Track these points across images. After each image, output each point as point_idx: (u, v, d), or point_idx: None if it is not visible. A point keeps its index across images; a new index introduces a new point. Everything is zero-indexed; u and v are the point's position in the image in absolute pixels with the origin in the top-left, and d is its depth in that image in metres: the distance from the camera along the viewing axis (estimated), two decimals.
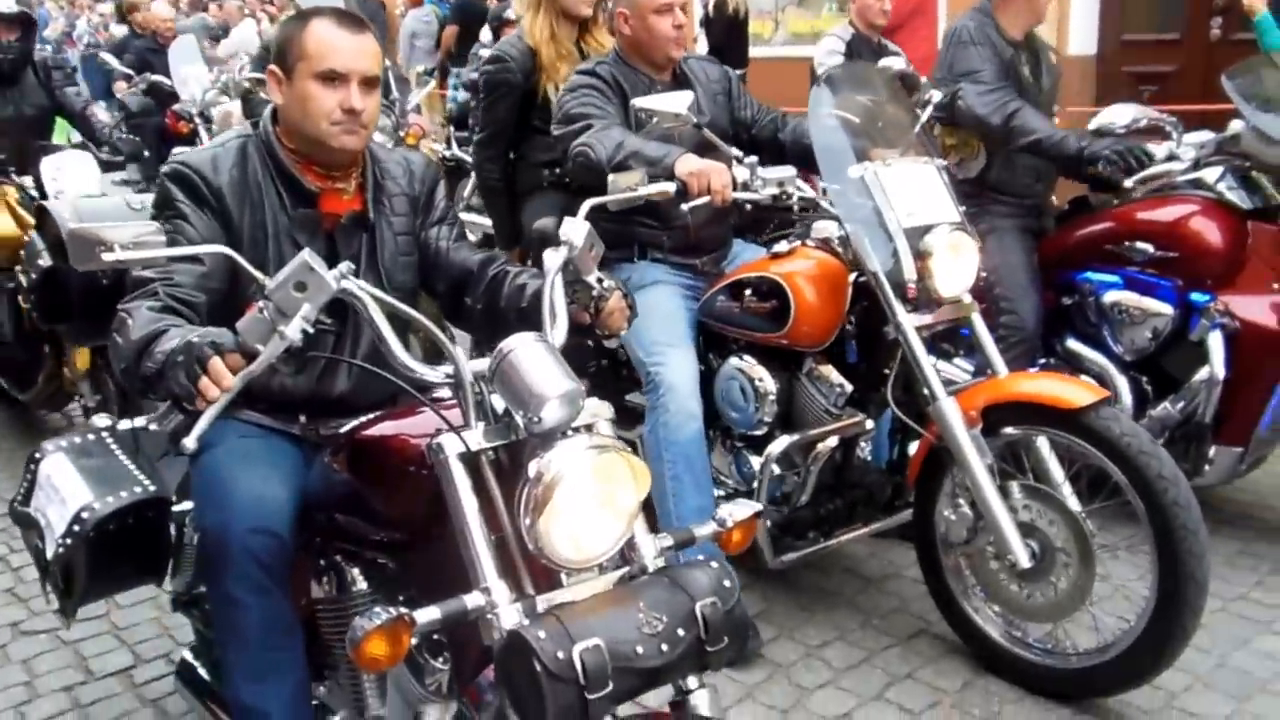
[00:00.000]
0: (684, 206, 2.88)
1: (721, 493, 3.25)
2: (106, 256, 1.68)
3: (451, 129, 6.92)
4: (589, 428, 1.75)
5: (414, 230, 2.36)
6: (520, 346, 1.67)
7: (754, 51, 8.69)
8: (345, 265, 1.73)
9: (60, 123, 5.27)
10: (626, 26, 3.32)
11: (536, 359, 1.66)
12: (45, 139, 5.00)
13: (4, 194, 4.34)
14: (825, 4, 10.07)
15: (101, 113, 5.26)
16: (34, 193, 4.26)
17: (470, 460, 1.68)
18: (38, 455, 2.48)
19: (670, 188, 2.82)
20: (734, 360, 3.21)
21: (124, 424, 2.59)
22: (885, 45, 5.31)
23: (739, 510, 1.81)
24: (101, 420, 2.68)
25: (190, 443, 1.67)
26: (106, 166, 4.60)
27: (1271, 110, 3.49)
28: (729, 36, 8.13)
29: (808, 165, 3.27)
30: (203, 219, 2.11)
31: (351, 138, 2.17)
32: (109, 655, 3.21)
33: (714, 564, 1.67)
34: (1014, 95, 3.74)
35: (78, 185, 4.10)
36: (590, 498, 1.59)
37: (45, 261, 3.49)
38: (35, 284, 3.52)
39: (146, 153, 4.93)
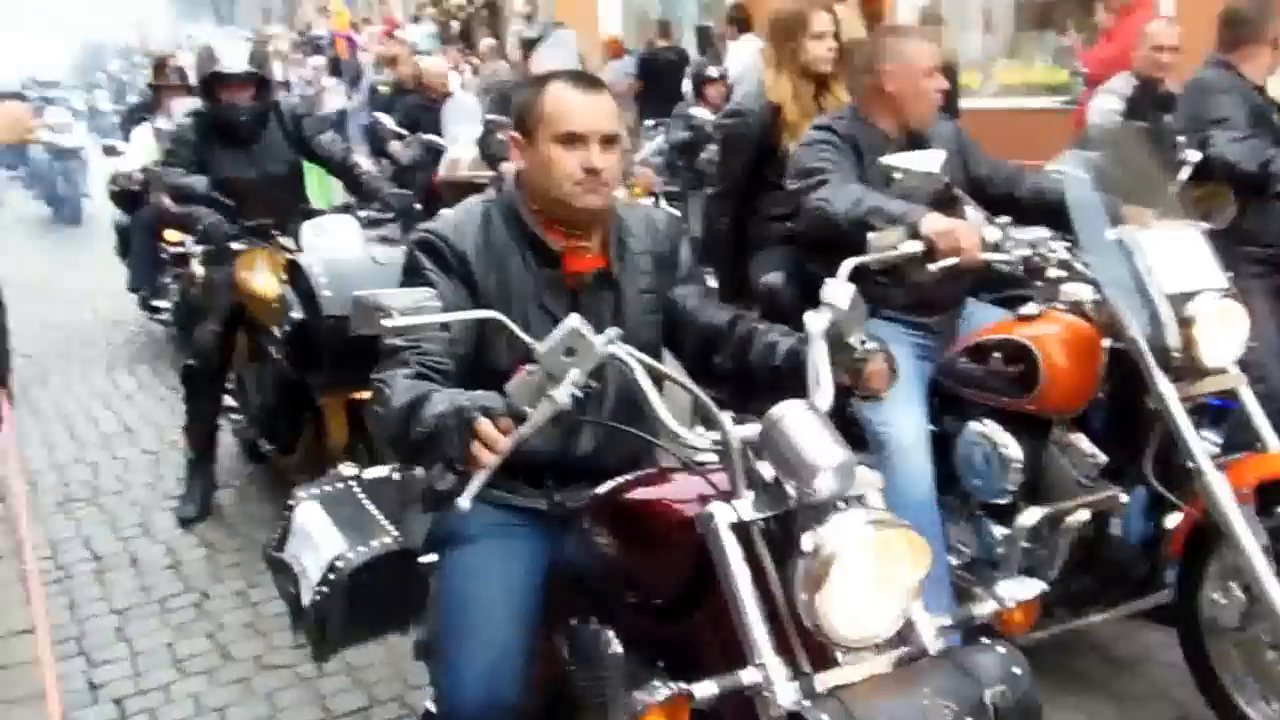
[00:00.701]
0: (930, 268, 2.78)
1: (956, 561, 3.12)
2: (386, 323, 1.72)
3: (653, 176, 7.03)
4: (860, 498, 1.69)
5: (659, 288, 2.35)
6: (791, 414, 1.64)
7: (963, 103, 8.51)
8: (614, 330, 1.74)
9: (315, 172, 5.03)
10: (892, 84, 3.23)
11: (808, 427, 1.62)
12: (298, 194, 4.83)
13: (270, 256, 4.36)
14: (1038, 55, 9.80)
15: (366, 162, 5.00)
16: (297, 256, 4.14)
17: (741, 530, 1.64)
18: (291, 502, 2.56)
19: (920, 247, 2.74)
20: (975, 425, 3.08)
21: (369, 473, 2.66)
22: (1170, 95, 4.95)
23: (1021, 589, 1.71)
24: (348, 469, 2.76)
25: (464, 502, 1.69)
26: (373, 222, 4.43)
27: None
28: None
29: (1048, 223, 3.14)
30: (450, 285, 2.14)
31: (594, 197, 2.18)
32: (345, 695, 3.30)
33: (1001, 648, 1.58)
34: (1268, 142, 3.56)
35: (340, 249, 4.02)
36: (868, 575, 1.54)
37: (297, 314, 3.64)
38: (288, 336, 3.70)
39: (418, 206, 4.67)
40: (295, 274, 3.73)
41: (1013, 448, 2.98)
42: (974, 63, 9.99)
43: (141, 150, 6.69)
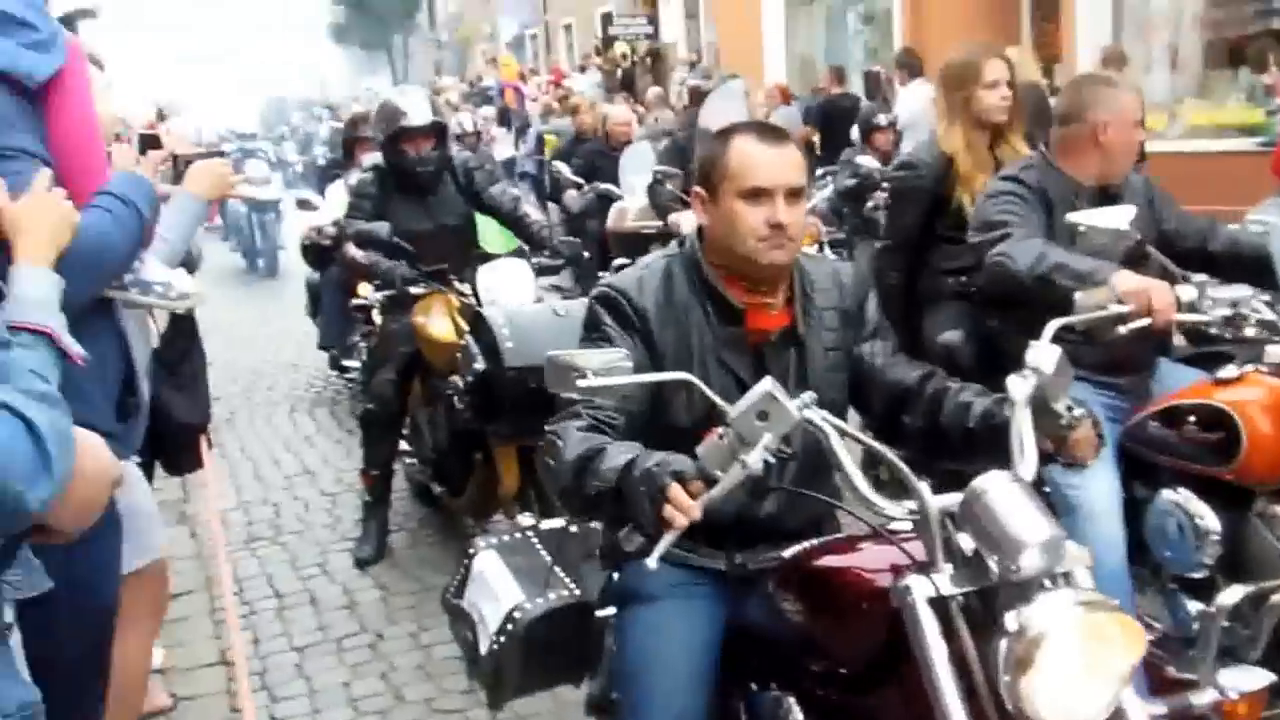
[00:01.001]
0: (1121, 330, 2.66)
1: (1149, 637, 2.95)
2: (580, 383, 1.73)
3: (822, 226, 6.95)
4: (1067, 576, 1.62)
5: (845, 345, 2.29)
6: (995, 486, 1.58)
7: (1149, 146, 8.21)
8: (808, 395, 1.71)
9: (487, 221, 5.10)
10: (1104, 134, 3.13)
11: (1013, 501, 1.57)
12: (472, 244, 4.90)
13: (446, 301, 4.42)
14: (1231, 94, 9.40)
15: (535, 211, 4.98)
16: (472, 300, 4.32)
17: (939, 604, 1.60)
18: (471, 550, 2.60)
19: (1121, 307, 2.62)
20: (1168, 493, 2.92)
21: (546, 524, 2.68)
22: None
23: (1247, 679, 1.62)
24: (526, 519, 2.79)
25: (652, 562, 1.68)
26: (543, 270, 4.51)
27: None
28: None
29: (1246, 279, 2.98)
30: (628, 341, 2.12)
31: (780, 252, 2.14)
32: None
33: None
34: None
35: (513, 294, 4.14)
36: (1077, 658, 1.47)
37: (480, 365, 3.67)
38: (471, 386, 3.74)
39: (587, 254, 4.71)
40: (478, 325, 3.79)
41: (1210, 519, 2.82)
42: (1160, 104, 9.66)
43: (336, 206, 6.79)
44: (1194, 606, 2.84)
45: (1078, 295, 2.52)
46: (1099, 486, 2.91)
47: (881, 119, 8.22)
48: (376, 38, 38.28)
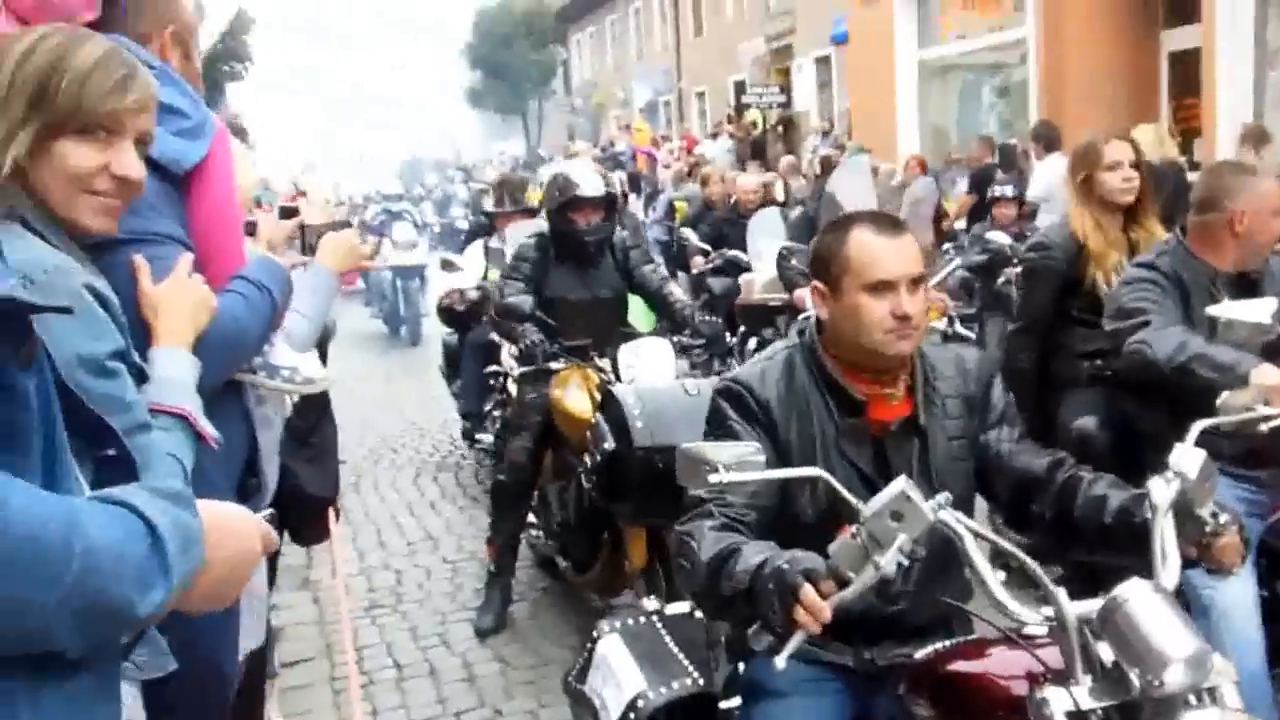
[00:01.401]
0: (1263, 428, 2.59)
1: None
2: (712, 478, 1.74)
3: (952, 304, 6.82)
4: (1213, 692, 1.59)
5: (969, 433, 2.26)
6: (1137, 597, 1.56)
7: None
8: (943, 496, 1.70)
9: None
10: (1241, 224, 3.11)
11: (1157, 612, 1.55)
12: (619, 321, 4.94)
13: (585, 376, 4.42)
14: None
15: (679, 291, 5.01)
16: (610, 376, 4.32)
17: (1077, 717, 1.58)
18: (595, 634, 2.59)
19: (1268, 409, 2.55)
20: None
21: (671, 608, 2.64)
22: None
23: None
24: (651, 603, 2.78)
25: (781, 662, 1.67)
26: (684, 348, 4.50)
27: None
28: None
29: None
30: (752, 434, 2.13)
31: (906, 343, 2.14)
32: None
33: None
34: None
35: (654, 373, 4.10)
36: None
37: (609, 444, 3.65)
38: (599, 466, 3.74)
39: (729, 336, 4.73)
40: (608, 402, 3.80)
41: None
42: None
43: (473, 267, 6.89)
44: None
45: (1223, 396, 2.46)
46: (1237, 587, 2.83)
47: (1007, 190, 8.09)
48: (512, 103, 39.35)
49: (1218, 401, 2.43)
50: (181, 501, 1.28)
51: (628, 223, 5.49)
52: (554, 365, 4.53)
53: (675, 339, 4.52)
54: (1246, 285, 3.15)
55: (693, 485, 1.79)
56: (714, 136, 21.06)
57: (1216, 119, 9.49)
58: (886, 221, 2.23)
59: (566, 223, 4.72)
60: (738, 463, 1.77)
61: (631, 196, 15.12)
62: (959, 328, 6.56)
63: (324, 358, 3.20)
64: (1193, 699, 1.54)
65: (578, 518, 4.34)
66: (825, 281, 2.22)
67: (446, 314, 7.19)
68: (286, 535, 3.13)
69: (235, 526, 1.43)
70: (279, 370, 2.47)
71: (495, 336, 6.17)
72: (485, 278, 6.53)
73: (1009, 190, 8.17)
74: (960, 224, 11.55)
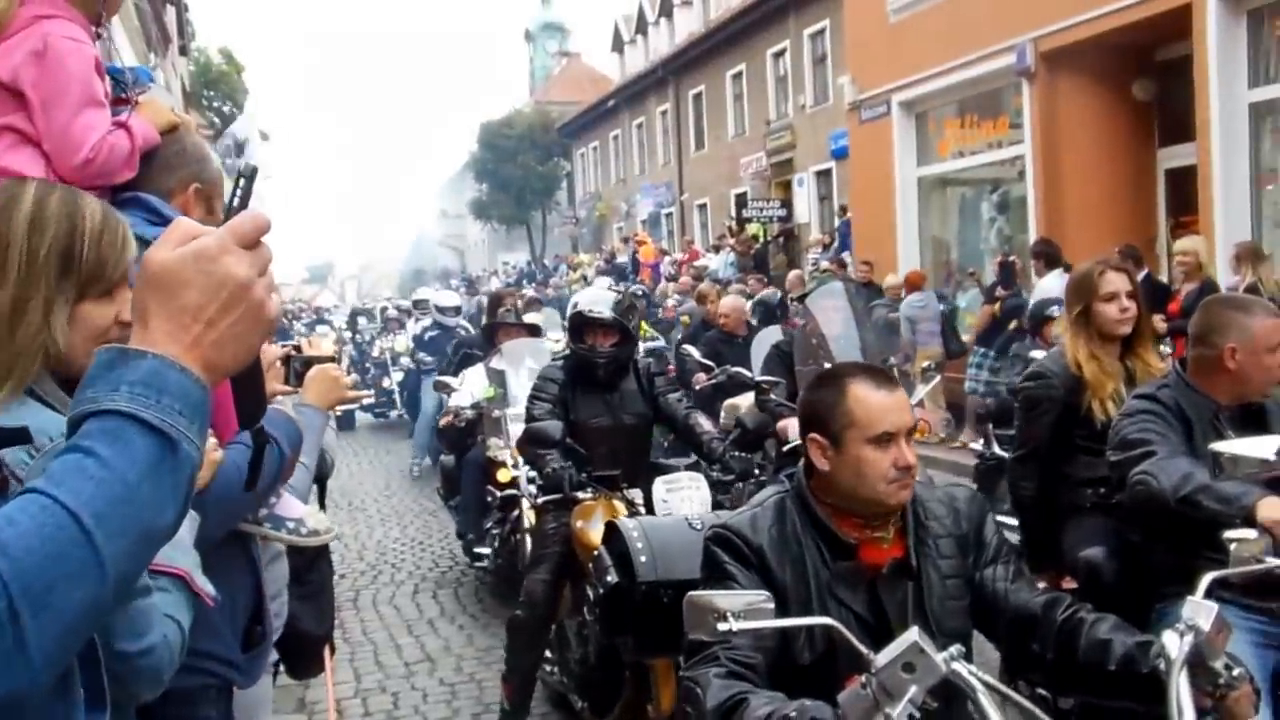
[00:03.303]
0: (1273, 560, 2.64)
1: None
2: (721, 626, 1.77)
3: (991, 426, 6.76)
4: None
5: (964, 572, 2.31)
6: None
7: None
8: (956, 648, 1.73)
9: None
10: (1232, 361, 3.15)
11: None
12: (646, 448, 4.90)
13: (612, 509, 4.30)
14: None
15: (706, 423, 4.94)
16: (641, 508, 4.25)
17: None
18: None
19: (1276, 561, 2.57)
20: None
21: None
22: None
23: None
24: None
25: None
26: (716, 484, 4.37)
27: None
28: None
29: None
30: (749, 579, 2.16)
31: (906, 491, 2.22)
32: None
33: None
34: None
35: (690, 508, 3.98)
36: None
37: (612, 578, 3.57)
38: (601, 598, 3.66)
39: (758, 472, 4.58)
40: (611, 536, 3.73)
41: None
42: None
43: (474, 388, 6.94)
44: None
45: (1233, 547, 2.49)
46: None
47: (1055, 310, 8.01)
48: (516, 214, 39.96)
49: (1230, 549, 2.46)
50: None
51: (659, 363, 5.45)
52: (580, 495, 4.43)
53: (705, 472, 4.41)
54: (1251, 416, 3.20)
55: (700, 633, 1.81)
56: (716, 249, 21.39)
57: (1215, 237, 9.67)
58: (880, 375, 2.32)
59: (580, 342, 4.77)
60: (747, 611, 1.80)
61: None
62: (996, 448, 6.46)
63: (323, 493, 3.20)
64: None
65: (599, 655, 4.19)
66: (825, 435, 2.27)
67: (444, 434, 7.19)
68: (281, 668, 3.11)
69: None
70: (284, 523, 2.47)
71: (495, 455, 6.17)
72: (490, 399, 6.55)
73: (1055, 310, 8.07)
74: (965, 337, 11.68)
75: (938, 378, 7.11)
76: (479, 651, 5.74)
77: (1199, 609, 1.92)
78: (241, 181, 1.27)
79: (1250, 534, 2.52)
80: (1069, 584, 3.62)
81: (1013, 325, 10.21)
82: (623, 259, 24.15)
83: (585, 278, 20.80)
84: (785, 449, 5.14)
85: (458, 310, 11.94)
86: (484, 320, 7.76)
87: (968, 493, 2.48)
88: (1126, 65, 11.77)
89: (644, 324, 11.59)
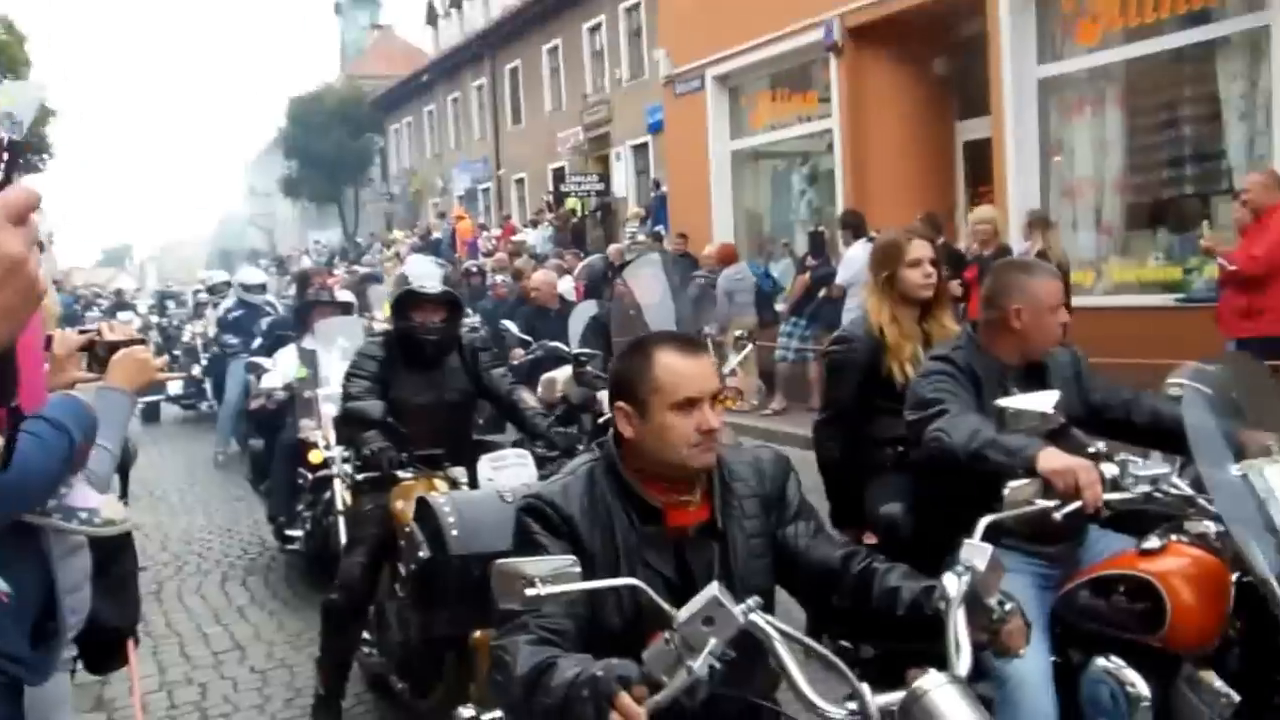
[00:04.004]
0: (1056, 517, 2.78)
1: None
2: (529, 592, 1.79)
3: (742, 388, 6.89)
4: None
5: (768, 531, 2.37)
6: (934, 689, 1.67)
7: (1076, 301, 8.57)
8: (753, 600, 1.79)
9: None
10: (1017, 321, 3.32)
11: (952, 703, 1.67)
12: (469, 426, 4.84)
13: (432, 486, 4.22)
14: (1151, 254, 9.88)
15: (531, 399, 4.88)
16: (465, 486, 4.17)
17: None
18: None
19: (1047, 502, 2.75)
20: (1100, 661, 3.03)
21: (488, 716, 2.64)
22: None
23: None
24: (466, 711, 2.76)
25: None
26: (540, 459, 4.31)
27: None
28: None
29: (1167, 446, 3.16)
30: (560, 547, 2.17)
31: (710, 455, 2.26)
32: None
33: None
34: None
35: (516, 485, 3.85)
36: None
37: (424, 554, 3.55)
38: (413, 574, 3.65)
39: (580, 446, 4.48)
40: (424, 511, 3.69)
41: (1141, 686, 2.92)
42: (1086, 262, 10.13)
43: (287, 370, 6.75)
44: None
45: (1006, 490, 2.65)
46: (1030, 659, 2.98)
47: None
48: (328, 191, 38.88)
49: (1004, 493, 2.62)
50: None
51: (483, 340, 5.39)
52: (401, 474, 4.35)
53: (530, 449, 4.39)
54: (1035, 374, 3.39)
55: (509, 601, 1.82)
56: (534, 224, 21.34)
57: (1009, 207, 10.20)
58: (687, 343, 2.35)
59: (405, 320, 4.62)
60: (554, 576, 1.82)
61: None
62: None
63: (126, 481, 3.04)
64: None
65: (419, 635, 4.09)
66: (631, 402, 2.30)
67: (254, 417, 6.97)
68: (80, 664, 2.94)
69: None
70: (76, 513, 2.37)
71: (308, 436, 6.01)
72: (301, 379, 6.38)
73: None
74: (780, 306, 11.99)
75: (749, 346, 7.26)
76: (290, 636, 5.59)
77: (974, 551, 2.04)
78: (5, 156, 1.21)
79: (1024, 481, 2.68)
80: (870, 539, 3.78)
81: (822, 293, 10.56)
82: (439, 235, 23.82)
83: (399, 255, 20.41)
84: (601, 420, 5.18)
85: (263, 288, 11.42)
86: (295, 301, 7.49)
87: (772, 453, 2.55)
88: (927, 42, 12.26)
89: None
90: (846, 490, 4.04)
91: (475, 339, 4.99)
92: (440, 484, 4.28)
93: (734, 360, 6.83)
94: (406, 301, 4.60)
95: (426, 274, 4.68)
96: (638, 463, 2.31)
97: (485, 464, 4.13)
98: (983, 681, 3.19)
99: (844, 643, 3.59)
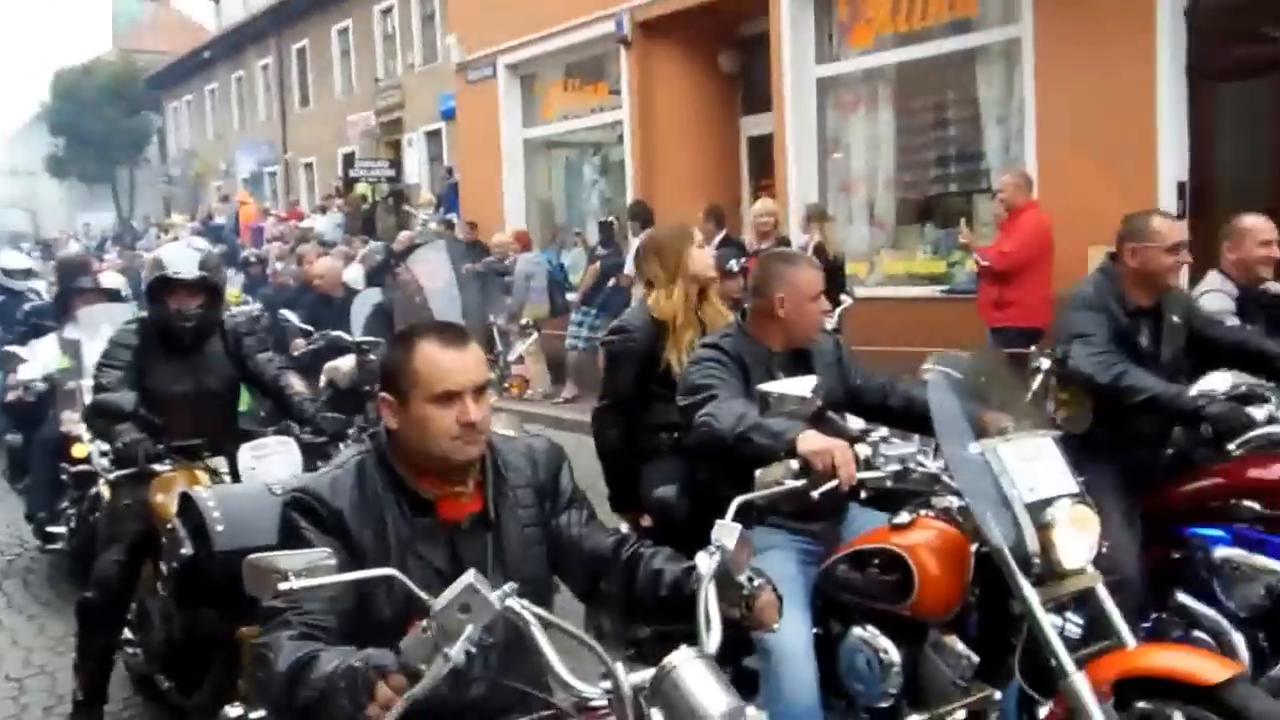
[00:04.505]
0: (814, 494, 2.93)
1: None
2: (282, 586, 1.76)
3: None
4: None
5: (542, 520, 2.39)
6: (681, 663, 1.74)
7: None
8: (510, 586, 1.82)
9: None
10: (781, 310, 3.47)
11: (699, 676, 1.73)
12: (232, 414, 4.67)
13: (194, 479, 4.08)
14: (919, 247, 10.45)
15: (297, 383, 4.75)
16: (227, 477, 4.06)
17: None
18: None
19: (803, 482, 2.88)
20: (857, 630, 3.23)
21: (255, 714, 2.59)
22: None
23: None
24: (234, 710, 2.70)
25: None
26: (308, 447, 4.21)
27: None
28: (828, 279, 8.41)
29: (918, 429, 3.38)
30: (325, 542, 2.12)
31: (473, 448, 2.25)
32: None
33: None
34: (1122, 358, 3.83)
35: (279, 474, 3.81)
36: None
37: (187, 550, 3.45)
38: (175, 572, 3.53)
39: (351, 432, 4.44)
40: (187, 506, 3.56)
41: (892, 652, 3.13)
42: (860, 254, 10.63)
43: (47, 360, 6.44)
44: None
45: (758, 472, 2.79)
46: (790, 631, 3.15)
47: (733, 265, 8.32)
48: (99, 171, 36.66)
49: (755, 475, 2.75)
50: None
51: (248, 324, 5.18)
52: (158, 467, 4.18)
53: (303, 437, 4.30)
54: (800, 361, 3.56)
55: (262, 595, 1.79)
56: (323, 210, 20.74)
57: (789, 199, 10.57)
58: (452, 333, 2.32)
59: (159, 306, 4.43)
60: (308, 569, 1.79)
61: (231, 272, 14.51)
62: None
63: None
64: None
65: (183, 632, 3.98)
66: (394, 394, 2.28)
67: (11, 410, 6.59)
68: None
69: None
70: None
71: (70, 430, 5.73)
72: (63, 370, 6.07)
73: (734, 264, 8.31)
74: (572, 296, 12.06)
75: (535, 334, 7.30)
76: (51, 641, 5.31)
77: (725, 530, 2.14)
78: None
79: (777, 464, 2.82)
80: (647, 522, 3.89)
81: (611, 283, 10.69)
82: (221, 220, 22.86)
83: (179, 240, 19.48)
84: None
85: (28, 273, 10.54)
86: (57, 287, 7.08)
87: (546, 443, 2.56)
88: (714, 38, 12.54)
89: (232, 290, 11.03)
90: (624, 475, 4.13)
91: (239, 323, 4.84)
92: (201, 475, 4.16)
93: (520, 348, 6.87)
94: (161, 287, 4.40)
95: (182, 258, 4.48)
96: (406, 454, 2.29)
97: (246, 452, 4.03)
98: (750, 656, 3.38)
99: (618, 627, 3.71)
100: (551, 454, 2.49)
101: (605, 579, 2.40)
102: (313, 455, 4.21)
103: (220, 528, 3.38)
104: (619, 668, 1.81)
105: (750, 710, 1.82)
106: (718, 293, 4.25)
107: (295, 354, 7.12)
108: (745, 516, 3.29)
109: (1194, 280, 5.17)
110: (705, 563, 2.08)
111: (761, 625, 2.19)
